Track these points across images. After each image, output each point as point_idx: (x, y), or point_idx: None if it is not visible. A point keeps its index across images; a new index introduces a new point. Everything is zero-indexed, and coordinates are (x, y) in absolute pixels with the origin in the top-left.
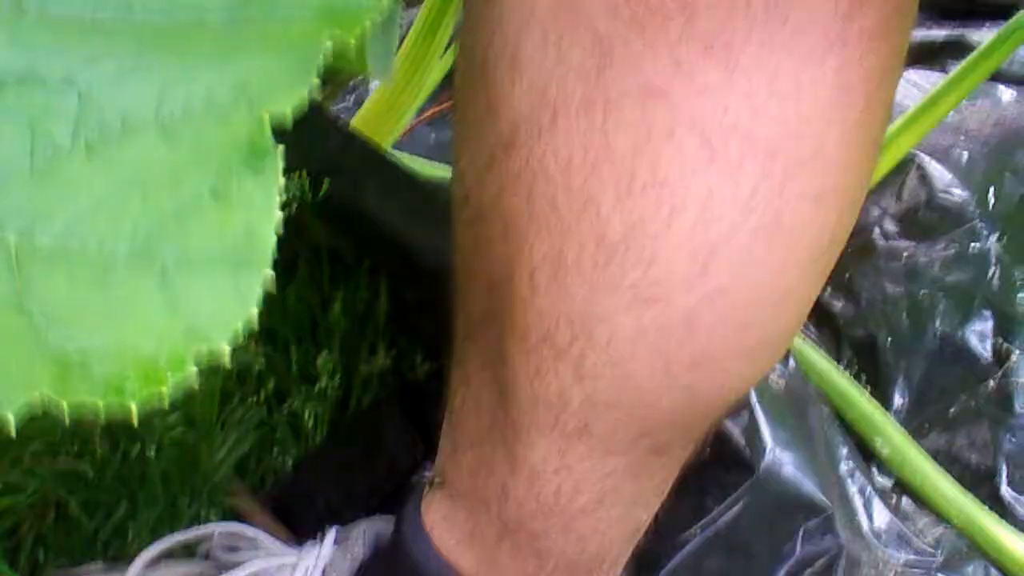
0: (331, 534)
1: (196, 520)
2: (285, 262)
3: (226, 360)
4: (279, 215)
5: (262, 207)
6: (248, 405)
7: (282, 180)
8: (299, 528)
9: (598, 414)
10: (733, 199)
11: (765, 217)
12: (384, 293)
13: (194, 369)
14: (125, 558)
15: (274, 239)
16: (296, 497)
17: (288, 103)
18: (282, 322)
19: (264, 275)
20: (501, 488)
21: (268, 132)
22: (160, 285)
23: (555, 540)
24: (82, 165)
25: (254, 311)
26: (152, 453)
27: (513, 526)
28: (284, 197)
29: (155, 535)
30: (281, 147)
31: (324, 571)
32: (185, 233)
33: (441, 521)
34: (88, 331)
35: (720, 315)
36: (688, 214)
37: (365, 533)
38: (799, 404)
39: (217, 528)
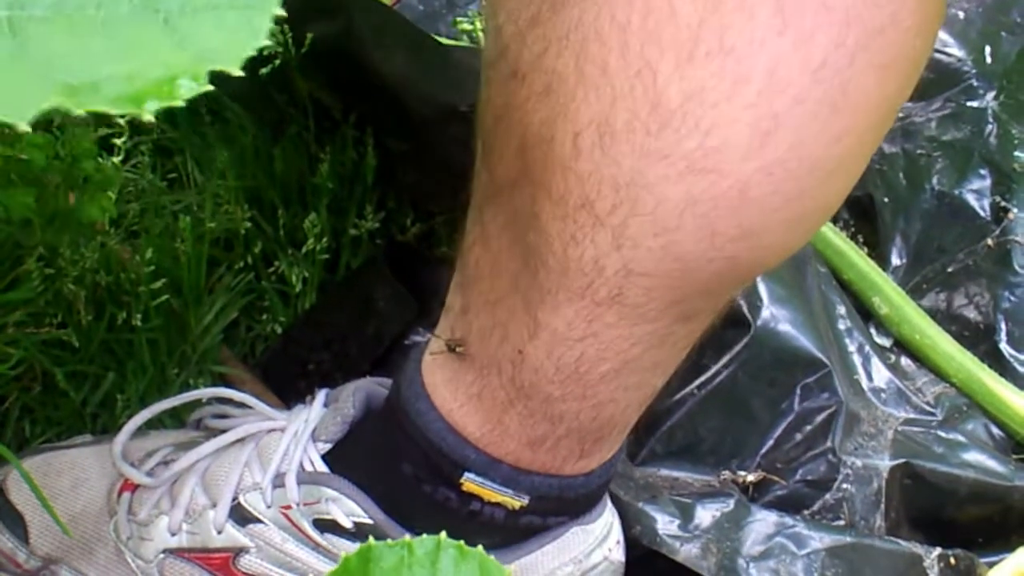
0: (320, 396)
1: (186, 390)
2: (270, 122)
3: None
4: None
5: None
6: (235, 271)
7: None
8: (290, 395)
9: (633, 283)
10: (801, 70)
11: (833, 87)
12: (371, 151)
13: (207, 85)
14: (114, 431)
15: None
16: (286, 363)
17: None
18: (268, 184)
19: (273, 12)
20: (517, 352)
21: None
22: (166, 28)
23: (571, 405)
24: None
25: (264, 39)
26: (138, 321)
27: (527, 391)
28: (267, 51)
29: (144, 406)
30: None
31: (314, 432)
32: None
33: (445, 383)
34: (95, 67)
35: (775, 186)
36: (753, 85)
37: (355, 394)
38: (796, 262)
39: (206, 393)
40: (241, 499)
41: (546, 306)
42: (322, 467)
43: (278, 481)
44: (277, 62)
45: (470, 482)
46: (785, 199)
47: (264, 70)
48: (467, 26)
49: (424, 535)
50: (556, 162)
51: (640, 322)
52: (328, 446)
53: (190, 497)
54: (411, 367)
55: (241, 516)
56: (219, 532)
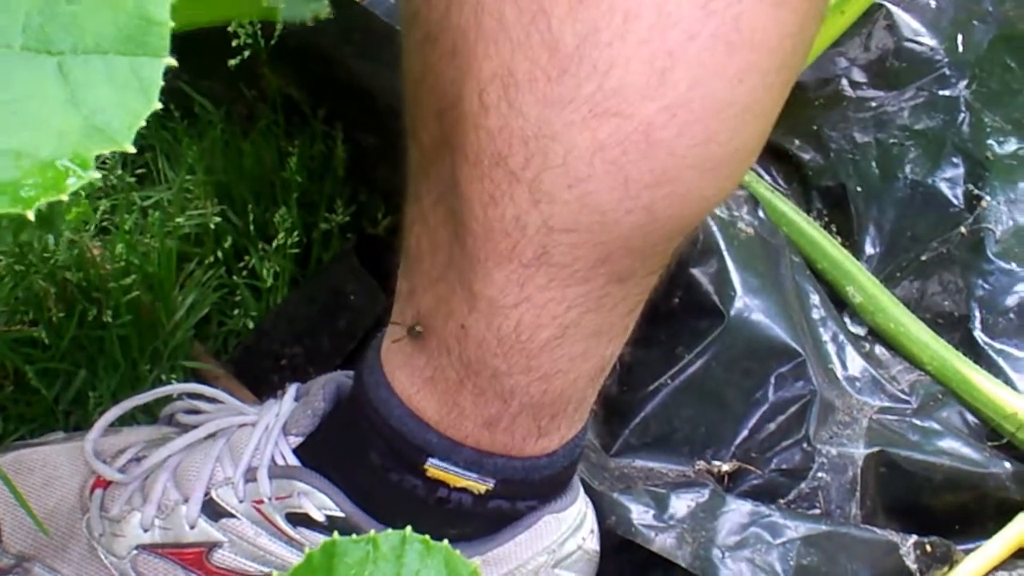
0: (291, 390)
1: (158, 386)
2: (239, 117)
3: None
4: None
5: None
6: (205, 266)
7: None
8: (264, 389)
9: (556, 240)
10: (690, 4)
11: (724, 22)
12: (341, 145)
13: (96, 174)
14: (86, 427)
15: (170, 24)
16: (259, 358)
17: None
18: (238, 179)
19: (164, 63)
20: (460, 328)
21: None
22: (59, 77)
23: (518, 380)
24: None
25: (156, 104)
26: (109, 317)
27: (475, 367)
28: (237, 42)
29: (116, 403)
30: None
31: (285, 426)
32: (79, 20)
33: (401, 368)
34: None
35: (679, 128)
36: (644, 20)
37: (325, 387)
38: (769, 252)
39: (177, 389)
40: (213, 494)
41: (478, 275)
42: (293, 461)
43: (250, 475)
44: (246, 55)
45: (434, 467)
46: (692, 142)
47: (233, 62)
48: None
49: (390, 530)
50: (468, 121)
51: (572, 283)
52: (299, 440)
53: (162, 493)
54: (371, 355)
55: (213, 511)
56: (192, 527)
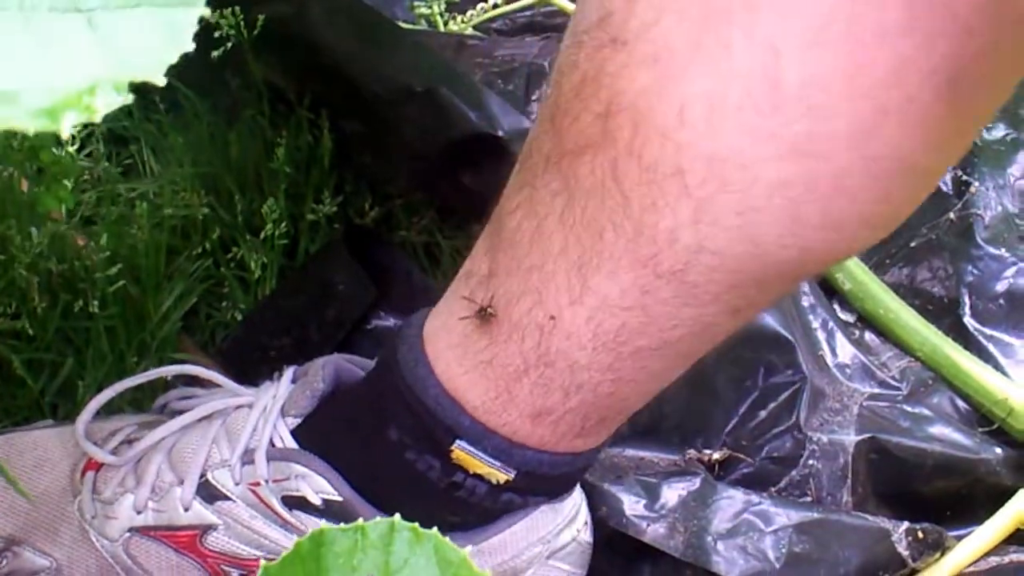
0: (288, 372)
1: None
2: (225, 108)
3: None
4: None
5: None
6: (193, 258)
7: None
8: (252, 381)
9: (699, 260)
10: (919, 69)
11: (933, 92)
12: (327, 134)
13: (129, 98)
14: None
15: None
16: (247, 350)
17: None
18: (225, 170)
19: (198, 11)
20: (549, 318)
21: None
22: (88, 28)
23: (593, 375)
24: None
25: (189, 45)
26: (95, 308)
27: (551, 357)
28: (220, 33)
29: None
30: None
31: (283, 408)
32: None
33: (454, 348)
34: (15, 73)
35: (868, 181)
36: (873, 75)
37: (325, 368)
38: None
39: (172, 370)
40: (209, 476)
41: (603, 271)
42: (292, 443)
43: (247, 457)
44: (230, 45)
45: (461, 450)
46: (873, 196)
47: (216, 52)
48: (424, 10)
49: (379, 517)
50: (654, 130)
51: (691, 303)
52: (297, 421)
53: (156, 474)
54: (410, 332)
55: (209, 493)
56: (186, 509)
